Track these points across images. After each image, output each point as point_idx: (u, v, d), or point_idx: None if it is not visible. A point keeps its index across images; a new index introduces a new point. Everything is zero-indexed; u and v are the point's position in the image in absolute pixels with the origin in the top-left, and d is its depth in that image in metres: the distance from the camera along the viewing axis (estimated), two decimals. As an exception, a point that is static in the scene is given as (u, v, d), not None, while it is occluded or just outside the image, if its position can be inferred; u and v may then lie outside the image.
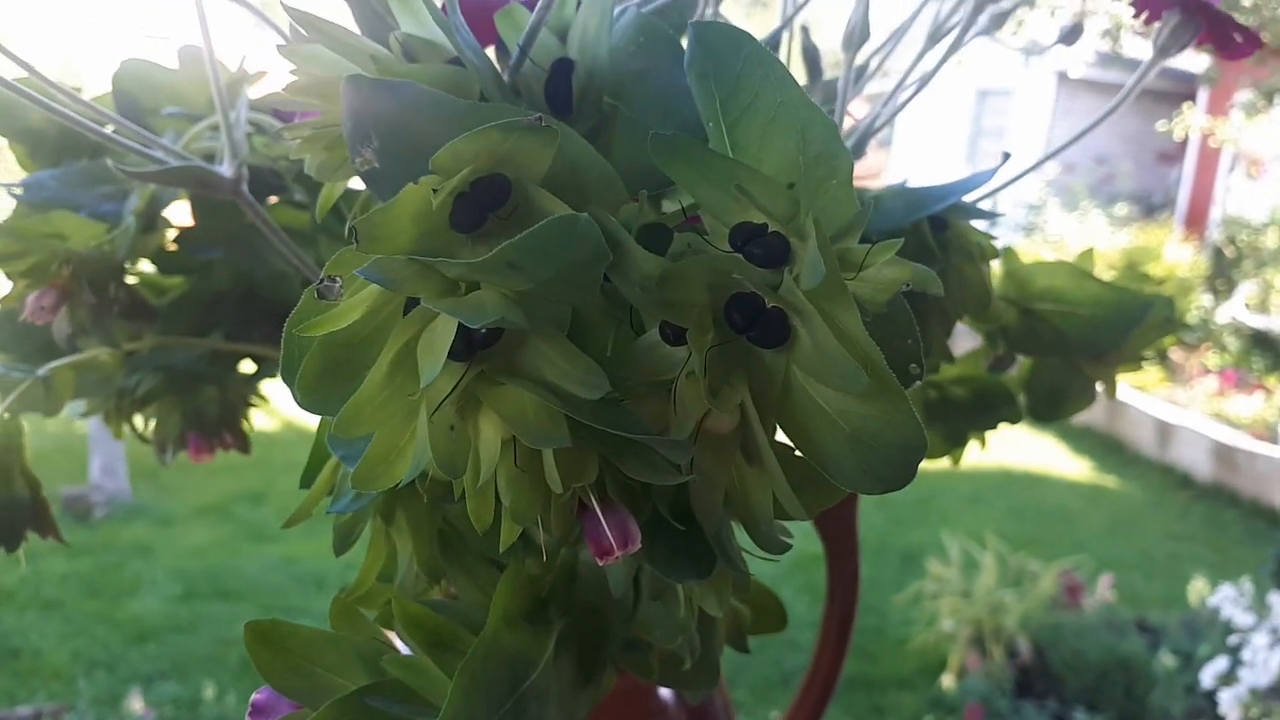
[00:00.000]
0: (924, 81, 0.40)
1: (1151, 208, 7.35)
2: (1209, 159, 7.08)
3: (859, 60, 0.45)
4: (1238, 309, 5.58)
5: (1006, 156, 0.36)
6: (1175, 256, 5.71)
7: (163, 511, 3.61)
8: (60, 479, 3.56)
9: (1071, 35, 0.64)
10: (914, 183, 0.40)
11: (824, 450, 0.24)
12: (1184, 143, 7.00)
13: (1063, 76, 7.63)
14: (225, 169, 0.36)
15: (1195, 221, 7.03)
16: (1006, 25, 0.49)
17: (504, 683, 0.26)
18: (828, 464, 0.24)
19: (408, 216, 0.23)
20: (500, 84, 0.29)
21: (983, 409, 0.53)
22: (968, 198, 0.37)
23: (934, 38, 0.41)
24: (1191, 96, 6.77)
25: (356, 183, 0.39)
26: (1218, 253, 6.06)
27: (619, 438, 0.22)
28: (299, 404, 0.24)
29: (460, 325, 0.22)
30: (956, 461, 0.56)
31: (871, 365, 0.22)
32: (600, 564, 0.23)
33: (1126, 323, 0.47)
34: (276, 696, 0.27)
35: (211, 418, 0.48)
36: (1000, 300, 0.46)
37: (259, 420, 0.54)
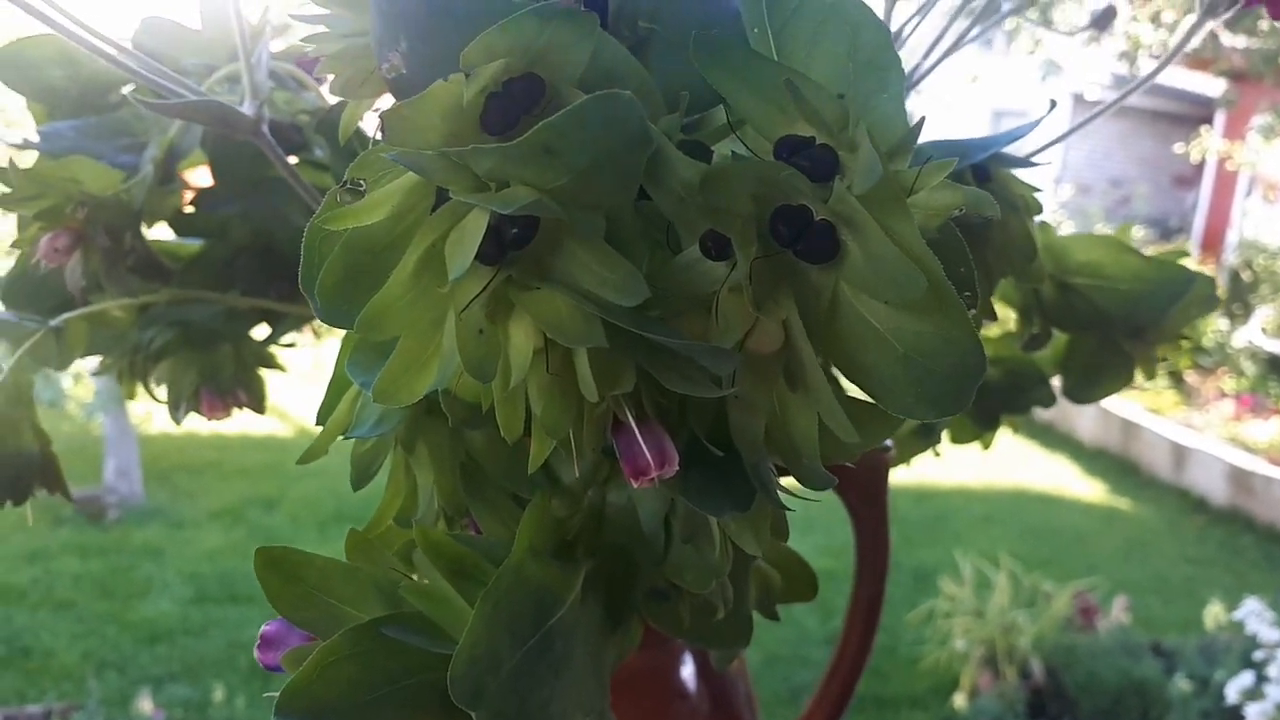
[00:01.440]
0: (958, 43, 0.39)
1: (1168, 231, 7.32)
2: (1226, 182, 7.05)
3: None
4: (1254, 333, 5.53)
5: (1053, 104, 0.35)
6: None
7: (176, 515, 3.61)
8: (74, 480, 3.51)
9: (1104, 20, 0.63)
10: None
11: (875, 373, 0.22)
12: (1201, 166, 6.96)
13: (1078, 98, 7.61)
14: (246, 107, 0.35)
15: (1211, 245, 6.99)
16: (1024, 43, 0.48)
17: (529, 616, 0.25)
18: (878, 388, 0.22)
19: (437, 113, 0.22)
20: (532, 2, 0.27)
21: (1015, 390, 0.52)
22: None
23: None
24: (1209, 119, 6.74)
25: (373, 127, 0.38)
26: (1234, 276, 6.01)
27: (657, 347, 0.21)
28: (318, 314, 0.23)
29: (490, 226, 0.21)
30: (987, 445, 0.54)
31: (930, 276, 0.21)
32: (635, 485, 0.22)
33: (1168, 298, 0.45)
34: (287, 628, 0.26)
35: (226, 375, 0.47)
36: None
37: (271, 425, 0.53)
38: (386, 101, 0.30)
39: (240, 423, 0.50)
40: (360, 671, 0.23)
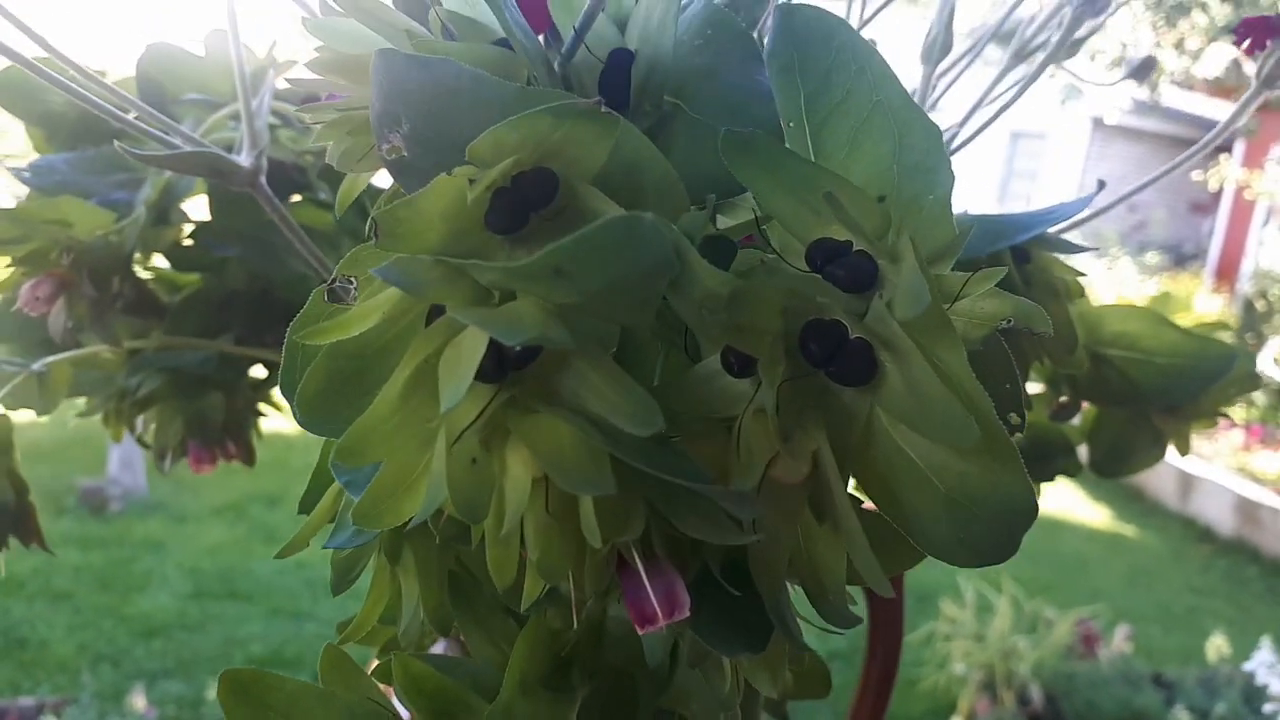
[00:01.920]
0: (1012, 98, 0.37)
1: (1182, 257, 7.27)
2: (1243, 211, 7.00)
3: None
4: (1267, 364, 5.48)
5: (1101, 185, 0.33)
6: (1204, 308, 5.63)
7: (178, 509, 3.60)
8: (78, 471, 3.56)
9: (1143, 71, 0.61)
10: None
11: (912, 512, 0.20)
12: (1218, 194, 6.92)
13: (1097, 122, 7.56)
14: (244, 158, 0.33)
15: (1226, 273, 6.94)
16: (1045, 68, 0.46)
17: (519, 762, 0.23)
18: (915, 528, 0.20)
19: (437, 212, 0.20)
20: (551, 73, 0.25)
21: (1040, 459, 0.49)
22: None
23: (1019, 56, 0.38)
24: (1228, 148, 6.69)
25: (382, 179, 0.36)
26: (1248, 306, 5.97)
27: (671, 485, 0.19)
28: (299, 422, 0.20)
29: (492, 341, 0.18)
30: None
31: (979, 417, 0.18)
32: (641, 633, 0.20)
33: (1207, 375, 0.43)
34: (254, 760, 0.23)
35: (215, 425, 0.44)
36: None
37: (277, 422, 0.51)
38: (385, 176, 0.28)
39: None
40: (331, 821, 0.21)
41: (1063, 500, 4.55)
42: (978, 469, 0.19)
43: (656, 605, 0.19)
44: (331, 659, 0.24)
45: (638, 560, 0.20)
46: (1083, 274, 0.35)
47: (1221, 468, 4.50)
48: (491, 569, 0.20)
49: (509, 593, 0.25)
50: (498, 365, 0.19)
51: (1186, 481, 4.49)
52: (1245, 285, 6.33)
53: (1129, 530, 4.31)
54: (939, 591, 3.12)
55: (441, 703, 0.23)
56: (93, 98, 0.32)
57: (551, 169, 0.20)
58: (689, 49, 0.26)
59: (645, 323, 0.19)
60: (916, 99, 0.35)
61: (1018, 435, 0.44)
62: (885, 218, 0.21)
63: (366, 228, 0.25)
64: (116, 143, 0.31)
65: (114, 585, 3.03)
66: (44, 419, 0.42)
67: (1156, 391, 0.44)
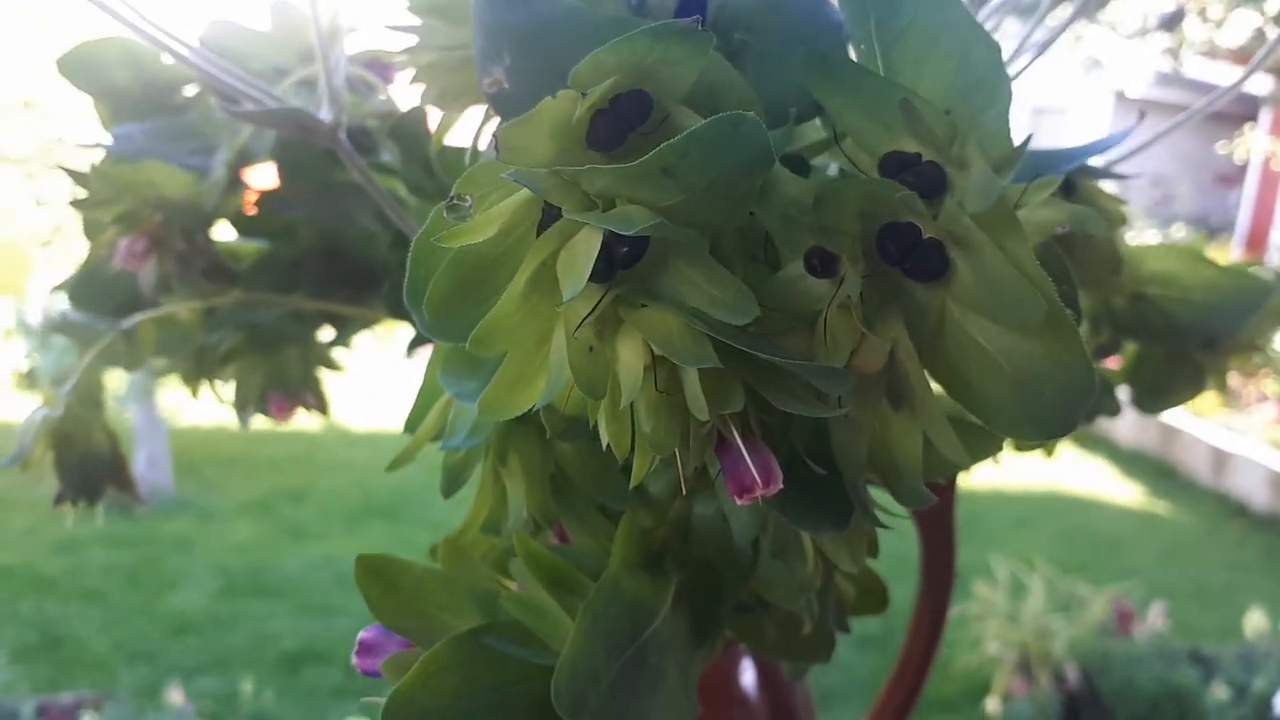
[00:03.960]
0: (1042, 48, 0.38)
1: (1210, 230, 7.21)
2: (1271, 181, 6.94)
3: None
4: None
5: (1142, 115, 0.34)
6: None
7: (205, 506, 3.63)
8: (107, 470, 3.59)
9: (1172, 22, 0.62)
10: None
11: (982, 393, 0.22)
12: (1244, 165, 6.86)
13: (1120, 96, 7.50)
14: (324, 114, 0.35)
15: (1255, 245, 6.88)
16: (1064, 39, 0.47)
17: (625, 629, 0.25)
18: (984, 407, 0.22)
19: (546, 131, 0.22)
20: (629, 8, 0.27)
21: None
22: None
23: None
24: (1253, 117, 6.63)
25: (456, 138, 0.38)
26: (1278, 277, 5.91)
27: (767, 366, 0.21)
28: (424, 329, 0.23)
29: (600, 246, 0.21)
30: (1050, 453, 0.54)
31: (1043, 294, 0.20)
32: (738, 503, 0.22)
33: (1243, 308, 0.45)
34: (385, 634, 0.26)
35: (294, 377, 0.47)
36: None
37: (301, 419, 0.53)
38: (477, 113, 0.30)
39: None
40: (463, 682, 0.24)
41: (1095, 478, 4.53)
42: (1041, 349, 0.21)
43: (756, 476, 0.21)
44: (450, 549, 0.26)
45: (736, 436, 0.22)
46: (1124, 201, 0.37)
47: (1255, 442, 4.47)
48: (611, 443, 0.22)
49: (602, 487, 0.27)
50: (607, 266, 0.21)
51: (1220, 457, 4.46)
52: (1274, 257, 6.28)
53: (1162, 507, 4.29)
54: (971, 572, 3.11)
55: (556, 576, 0.26)
56: (191, 58, 0.35)
57: (646, 90, 0.22)
58: (757, -14, 0.28)
59: (739, 221, 0.22)
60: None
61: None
62: (952, 128, 0.23)
63: (479, 145, 0.28)
64: (213, 99, 0.33)
65: (145, 583, 3.06)
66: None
67: (1195, 327, 0.46)
